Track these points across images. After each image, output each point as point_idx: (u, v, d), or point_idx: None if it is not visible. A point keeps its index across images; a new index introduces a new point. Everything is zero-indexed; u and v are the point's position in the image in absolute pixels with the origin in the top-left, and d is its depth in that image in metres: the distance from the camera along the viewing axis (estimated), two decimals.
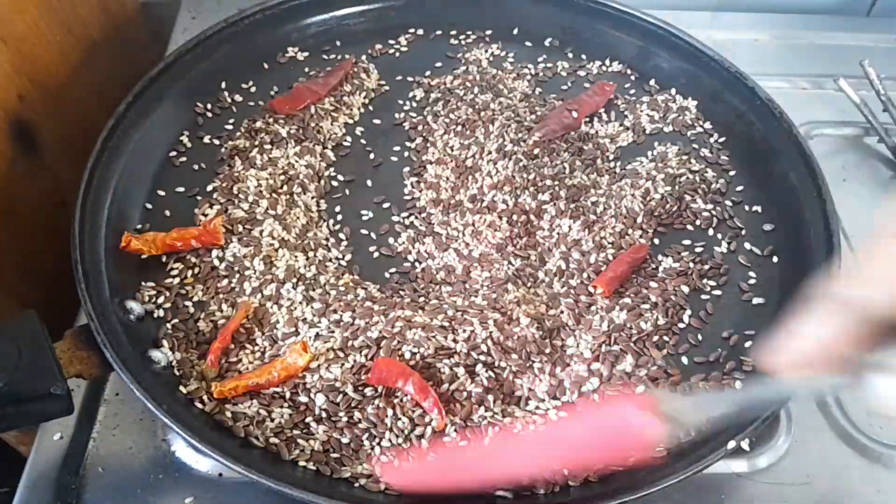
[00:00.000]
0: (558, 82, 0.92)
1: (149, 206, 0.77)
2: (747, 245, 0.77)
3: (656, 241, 0.78)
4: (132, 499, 0.63)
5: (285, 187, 0.78)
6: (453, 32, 0.96)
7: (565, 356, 0.67)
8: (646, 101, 0.90)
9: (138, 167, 0.78)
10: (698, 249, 0.77)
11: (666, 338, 0.69)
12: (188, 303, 0.70)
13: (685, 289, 0.73)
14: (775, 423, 0.69)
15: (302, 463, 0.61)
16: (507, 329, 0.67)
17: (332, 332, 0.67)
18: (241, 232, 0.73)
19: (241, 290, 0.70)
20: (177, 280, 0.71)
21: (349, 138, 0.86)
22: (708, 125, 0.88)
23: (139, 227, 0.75)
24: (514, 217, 0.77)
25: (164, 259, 0.72)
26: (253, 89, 0.89)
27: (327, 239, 0.77)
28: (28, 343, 0.59)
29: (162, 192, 0.78)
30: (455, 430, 0.62)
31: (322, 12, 0.94)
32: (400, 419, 0.62)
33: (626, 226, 0.77)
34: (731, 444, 0.59)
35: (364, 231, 0.78)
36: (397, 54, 0.95)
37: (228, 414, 0.63)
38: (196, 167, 0.81)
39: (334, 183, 0.82)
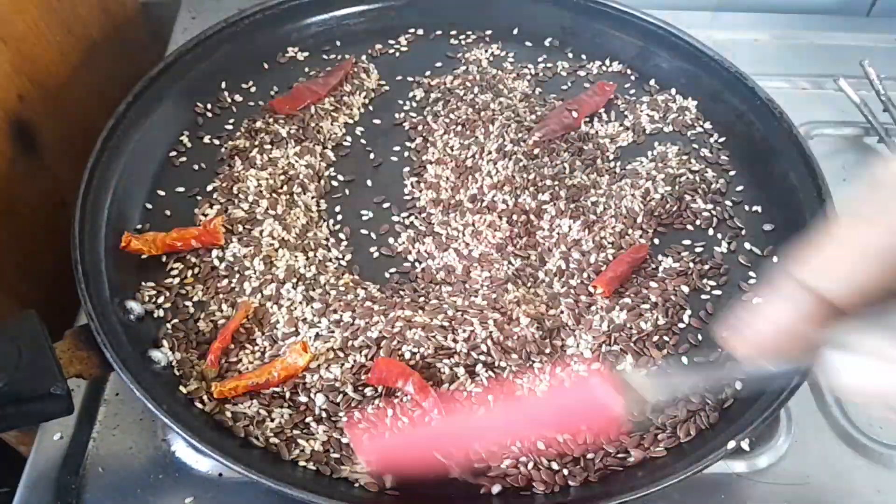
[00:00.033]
0: (558, 82, 0.92)
1: (149, 206, 0.77)
2: (747, 245, 0.77)
3: (656, 241, 0.78)
4: (132, 499, 0.63)
5: (285, 187, 0.78)
6: (453, 32, 0.96)
7: (565, 356, 0.67)
8: (646, 101, 0.90)
9: (138, 167, 0.78)
10: (698, 249, 0.77)
11: (666, 338, 0.69)
12: (188, 303, 0.70)
13: (685, 289, 0.73)
14: (775, 423, 0.69)
15: (302, 463, 0.61)
16: (507, 329, 0.67)
17: (332, 332, 0.67)
18: (241, 232, 0.73)
19: (241, 290, 0.70)
20: (177, 280, 0.71)
21: (349, 138, 0.86)
22: (708, 125, 0.88)
23: (139, 227, 0.75)
24: (514, 217, 0.77)
25: (164, 259, 0.72)
26: (253, 89, 0.89)
27: (327, 239, 0.77)
28: (28, 343, 0.59)
29: (162, 192, 0.78)
30: None
31: (322, 12, 0.94)
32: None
33: (626, 226, 0.77)
34: (731, 444, 0.59)
35: (364, 231, 0.78)
36: (397, 54, 0.95)
37: (228, 414, 0.63)
38: (196, 167, 0.81)
39: (334, 183, 0.81)
